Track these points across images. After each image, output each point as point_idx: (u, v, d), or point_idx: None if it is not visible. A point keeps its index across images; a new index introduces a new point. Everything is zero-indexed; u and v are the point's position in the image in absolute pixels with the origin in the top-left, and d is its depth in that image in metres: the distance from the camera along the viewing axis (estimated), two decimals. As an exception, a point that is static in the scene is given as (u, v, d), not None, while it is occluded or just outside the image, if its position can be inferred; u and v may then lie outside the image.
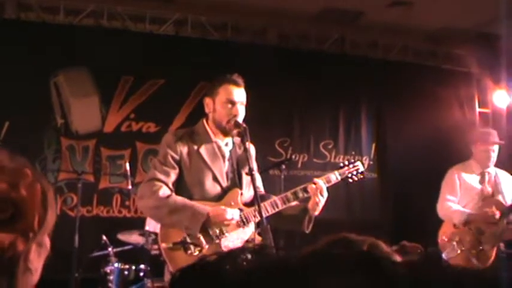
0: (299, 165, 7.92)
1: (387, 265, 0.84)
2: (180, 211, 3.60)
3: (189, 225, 3.60)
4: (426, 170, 7.57)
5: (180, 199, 3.65)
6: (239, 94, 3.78)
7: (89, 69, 7.06)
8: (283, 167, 6.48)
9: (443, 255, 5.73)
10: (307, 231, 3.82)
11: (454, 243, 5.72)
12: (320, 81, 7.88)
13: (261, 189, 4.01)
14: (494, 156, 5.84)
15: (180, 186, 3.75)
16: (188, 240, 3.60)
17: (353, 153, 8.17)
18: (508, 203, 5.73)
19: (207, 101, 3.85)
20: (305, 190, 3.78)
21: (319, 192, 3.74)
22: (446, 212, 5.87)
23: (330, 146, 8.09)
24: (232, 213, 3.65)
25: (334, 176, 3.95)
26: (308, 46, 8.21)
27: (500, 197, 5.78)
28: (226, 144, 3.89)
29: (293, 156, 7.84)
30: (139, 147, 7.23)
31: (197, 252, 3.62)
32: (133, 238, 5.65)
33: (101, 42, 6.94)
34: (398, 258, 1.18)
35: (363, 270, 0.82)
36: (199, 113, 6.99)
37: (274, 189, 5.08)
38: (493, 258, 5.63)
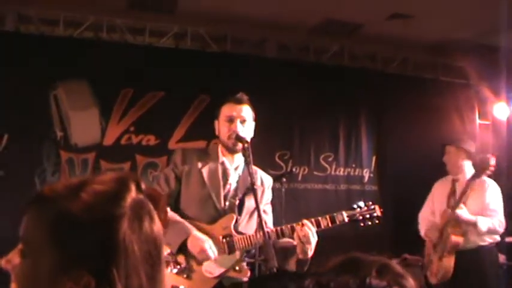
0: (299, 178, 7.88)
1: None
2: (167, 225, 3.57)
3: (170, 241, 3.57)
4: (426, 182, 7.54)
5: (171, 214, 3.61)
6: (239, 111, 3.71)
7: (89, 82, 7.02)
8: (284, 180, 6.46)
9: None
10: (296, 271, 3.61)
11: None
12: (319, 94, 7.85)
13: (270, 226, 3.90)
14: (462, 163, 5.94)
15: (176, 203, 3.73)
16: (170, 258, 3.57)
17: (353, 165, 8.24)
18: (465, 215, 5.71)
19: (215, 123, 3.83)
20: (292, 230, 3.59)
21: (304, 238, 3.50)
22: (422, 222, 6.26)
23: (330, 159, 8.06)
24: (210, 246, 3.53)
25: (342, 217, 3.75)
26: (307, 58, 8.20)
27: (460, 210, 5.74)
28: (236, 168, 3.83)
29: (293, 169, 7.81)
30: (138, 160, 7.20)
31: (175, 271, 3.58)
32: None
33: (100, 55, 6.89)
34: (410, 281, 1.16)
35: None
36: (199, 125, 7.07)
37: (274, 202, 5.04)
38: (451, 271, 5.70)
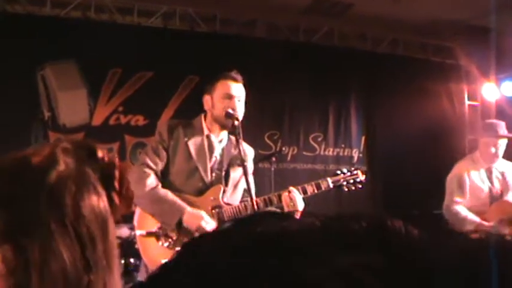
0: (288, 158, 7.88)
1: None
2: (159, 204, 3.63)
3: (165, 220, 3.62)
4: (416, 162, 7.58)
5: (163, 191, 3.67)
6: (237, 89, 3.77)
7: (77, 62, 6.98)
8: (273, 160, 6.46)
9: None
10: None
11: None
12: (309, 74, 7.84)
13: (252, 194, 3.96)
14: (500, 150, 5.53)
15: (164, 175, 3.76)
16: (161, 231, 3.62)
17: (343, 146, 8.24)
18: None
19: (206, 98, 3.85)
20: (279, 197, 3.70)
21: (291, 204, 3.63)
22: (454, 218, 5.57)
23: (319, 139, 8.05)
24: (208, 223, 3.60)
25: (326, 183, 3.87)
26: (297, 38, 8.17)
27: (510, 195, 5.62)
28: (220, 141, 3.87)
29: (283, 149, 7.80)
30: (127, 140, 7.17)
31: (167, 244, 3.63)
32: (122, 231, 5.59)
33: (88, 35, 6.85)
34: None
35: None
36: (188, 105, 7.05)
37: (263, 182, 5.07)
38: None
